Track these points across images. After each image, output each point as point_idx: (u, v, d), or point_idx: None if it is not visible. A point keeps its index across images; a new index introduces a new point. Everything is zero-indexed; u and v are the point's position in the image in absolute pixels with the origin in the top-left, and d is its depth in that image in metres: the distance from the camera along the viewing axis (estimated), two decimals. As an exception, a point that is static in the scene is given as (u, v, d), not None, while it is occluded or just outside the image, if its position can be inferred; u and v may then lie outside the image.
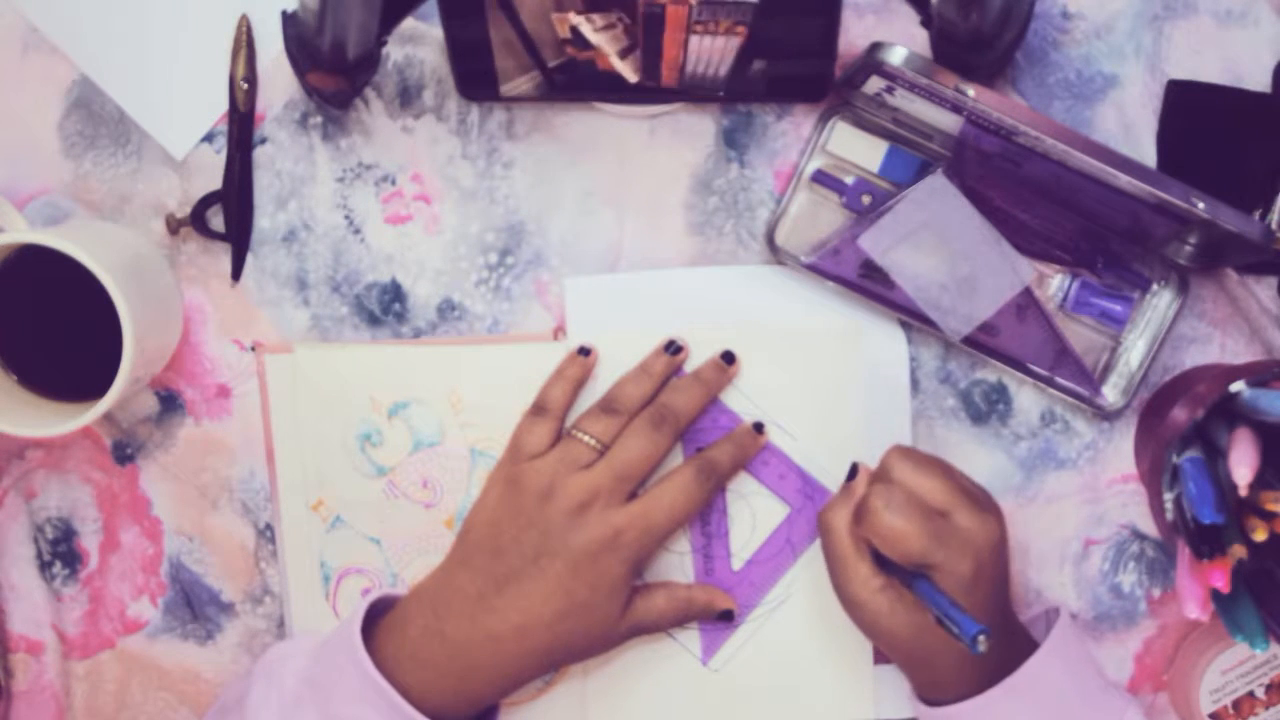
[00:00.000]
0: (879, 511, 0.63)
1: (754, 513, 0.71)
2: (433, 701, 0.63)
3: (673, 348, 0.69)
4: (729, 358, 0.69)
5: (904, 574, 0.64)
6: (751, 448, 0.69)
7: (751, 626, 0.71)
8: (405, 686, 0.62)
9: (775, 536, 0.71)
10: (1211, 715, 0.72)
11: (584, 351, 0.69)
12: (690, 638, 0.71)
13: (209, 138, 0.71)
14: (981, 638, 0.59)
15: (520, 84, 0.67)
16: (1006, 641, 0.65)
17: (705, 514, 0.70)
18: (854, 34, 0.70)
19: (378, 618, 0.66)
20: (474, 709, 0.65)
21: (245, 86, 0.70)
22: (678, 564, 0.71)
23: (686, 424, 0.68)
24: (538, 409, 0.68)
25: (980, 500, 0.65)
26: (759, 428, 0.69)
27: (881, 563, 0.65)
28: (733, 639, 0.71)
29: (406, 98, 0.71)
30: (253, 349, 0.72)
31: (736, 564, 0.71)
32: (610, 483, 0.65)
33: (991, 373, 0.72)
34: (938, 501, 0.63)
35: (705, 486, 0.67)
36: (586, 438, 0.66)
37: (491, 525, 0.66)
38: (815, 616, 0.70)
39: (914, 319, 0.70)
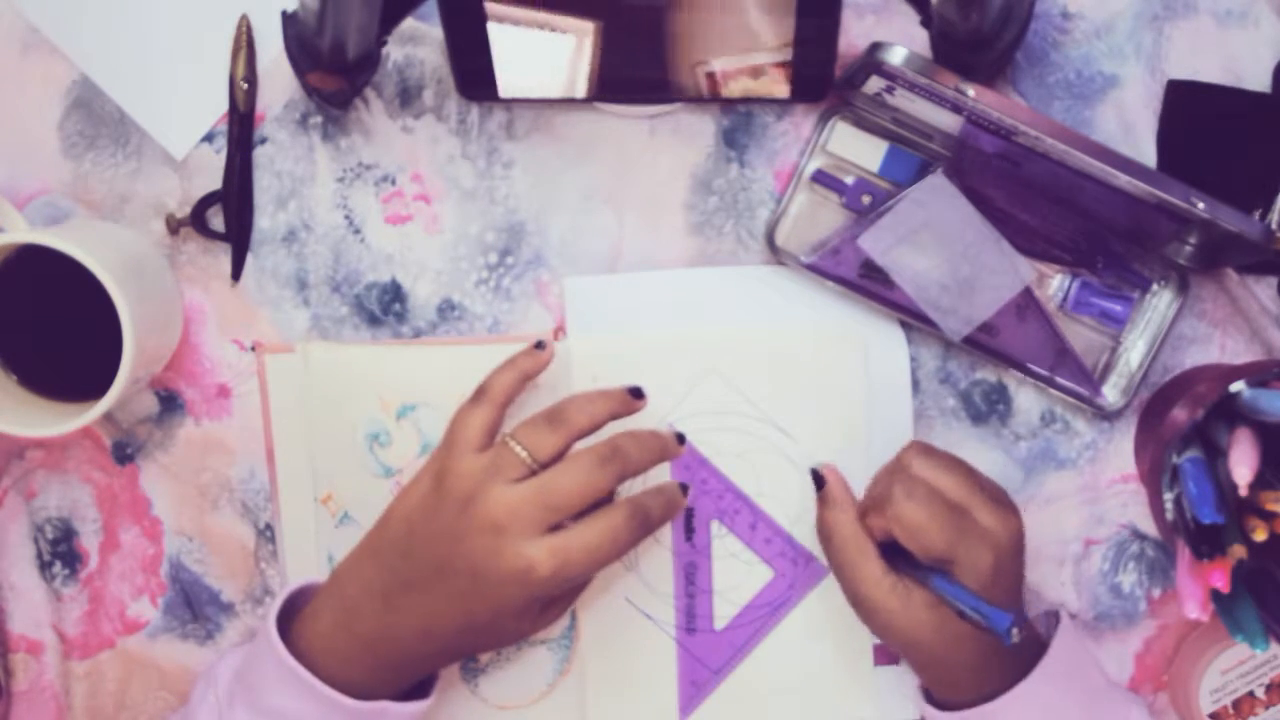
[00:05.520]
0: (901, 502, 0.63)
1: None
2: (350, 686, 0.62)
3: (637, 392, 0.66)
4: (682, 439, 0.68)
5: (919, 570, 0.63)
6: (682, 506, 0.67)
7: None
8: (323, 670, 0.62)
9: (759, 599, 0.71)
10: (1211, 715, 0.72)
11: (539, 345, 0.66)
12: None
13: (209, 138, 0.71)
14: (1014, 630, 0.59)
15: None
16: (1024, 641, 0.64)
17: (691, 572, 0.70)
18: (854, 34, 0.70)
19: (303, 606, 0.65)
20: (395, 690, 0.64)
21: (245, 86, 0.70)
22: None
23: (633, 473, 0.64)
24: (478, 395, 0.65)
25: (999, 498, 0.65)
26: (684, 489, 0.67)
27: (892, 561, 0.65)
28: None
29: (406, 98, 0.71)
30: (253, 349, 0.72)
31: (719, 623, 0.71)
32: (533, 510, 0.60)
33: (991, 373, 0.72)
34: (957, 497, 0.63)
35: (635, 535, 0.62)
36: (520, 449, 0.62)
37: (406, 523, 0.63)
38: (814, 624, 0.71)
39: (914, 319, 0.70)
